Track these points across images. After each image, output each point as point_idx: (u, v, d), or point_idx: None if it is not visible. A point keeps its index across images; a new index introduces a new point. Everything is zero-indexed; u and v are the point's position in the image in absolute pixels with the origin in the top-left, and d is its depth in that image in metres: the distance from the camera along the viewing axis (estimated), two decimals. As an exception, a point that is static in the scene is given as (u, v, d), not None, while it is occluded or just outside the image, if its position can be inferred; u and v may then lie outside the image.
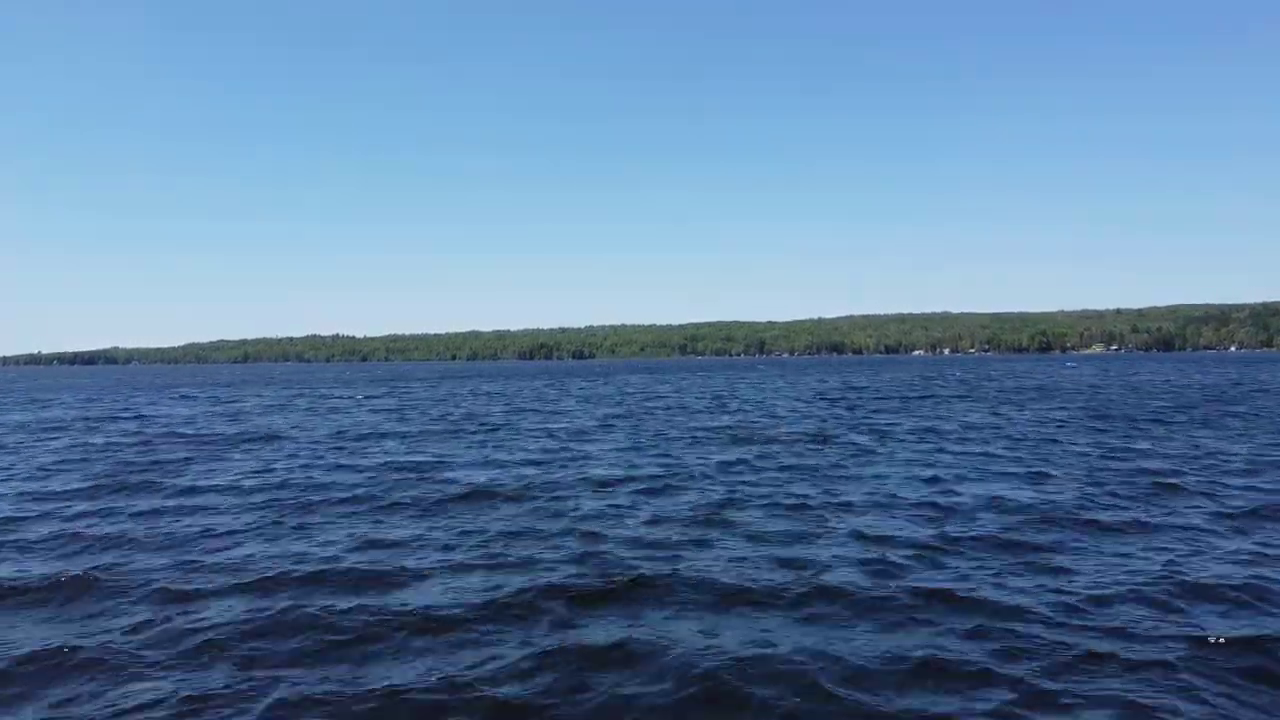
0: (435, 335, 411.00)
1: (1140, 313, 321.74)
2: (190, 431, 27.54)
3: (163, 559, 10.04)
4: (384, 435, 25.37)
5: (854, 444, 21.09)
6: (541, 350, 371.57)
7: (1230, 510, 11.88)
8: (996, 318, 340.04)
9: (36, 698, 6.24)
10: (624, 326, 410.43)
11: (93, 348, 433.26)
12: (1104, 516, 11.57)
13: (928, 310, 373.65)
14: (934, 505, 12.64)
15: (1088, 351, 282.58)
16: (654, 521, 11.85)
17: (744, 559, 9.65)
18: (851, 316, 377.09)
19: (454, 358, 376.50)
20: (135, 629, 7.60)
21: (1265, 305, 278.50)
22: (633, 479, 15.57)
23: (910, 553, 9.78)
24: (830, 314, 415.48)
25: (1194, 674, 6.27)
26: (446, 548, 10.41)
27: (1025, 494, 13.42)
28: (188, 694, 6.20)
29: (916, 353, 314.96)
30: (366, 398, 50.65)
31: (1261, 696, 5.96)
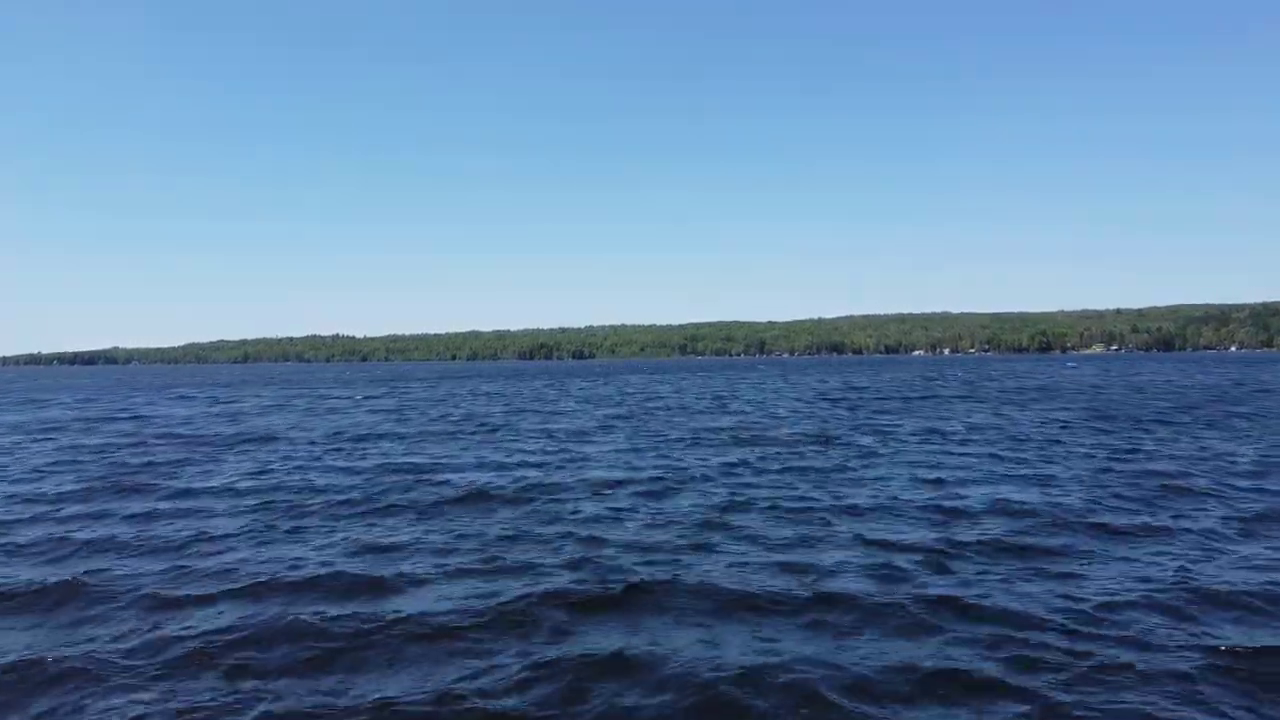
0: (435, 335, 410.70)
1: (1140, 313, 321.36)
2: (187, 432, 27.35)
3: (153, 564, 9.84)
4: (382, 436, 25.18)
5: (857, 445, 20.89)
6: (541, 350, 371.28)
7: (1241, 514, 11.67)
8: (996, 318, 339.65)
9: (16, 709, 6.05)
10: (624, 326, 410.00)
11: (93, 348, 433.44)
12: (1112, 520, 11.37)
13: (928, 310, 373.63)
14: (939, 508, 12.44)
15: (1088, 351, 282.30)
16: (654, 525, 11.65)
17: (746, 564, 9.45)
18: (851, 316, 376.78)
19: (454, 358, 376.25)
20: (121, 637, 7.40)
21: (1265, 305, 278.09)
22: (633, 481, 15.37)
23: (916, 557, 9.58)
24: (830, 314, 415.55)
25: (1212, 685, 6.07)
26: (443, 552, 10.21)
27: (1032, 496, 13.21)
28: (173, 706, 6.01)
29: (916, 353, 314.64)
30: (365, 398, 50.46)
31: (1283, 709, 5.76)
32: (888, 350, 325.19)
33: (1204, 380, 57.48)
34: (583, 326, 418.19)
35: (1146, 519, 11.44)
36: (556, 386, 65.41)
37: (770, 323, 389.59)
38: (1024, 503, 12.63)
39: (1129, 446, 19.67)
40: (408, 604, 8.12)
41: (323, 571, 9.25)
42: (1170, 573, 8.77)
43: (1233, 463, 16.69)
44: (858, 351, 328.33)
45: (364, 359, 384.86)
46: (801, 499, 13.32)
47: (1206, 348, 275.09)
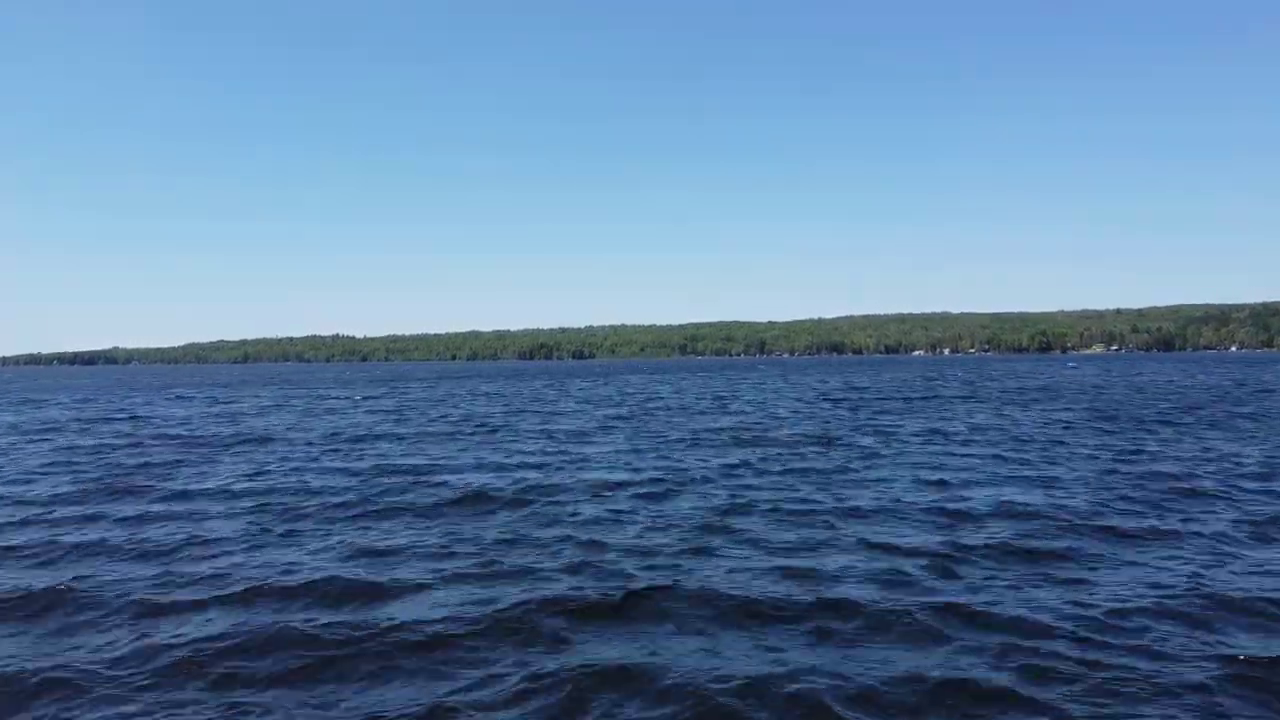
0: (435, 335, 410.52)
1: (1140, 313, 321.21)
2: (184, 433, 27.16)
3: (143, 569, 9.65)
4: (380, 437, 25.00)
5: (859, 446, 20.71)
6: (541, 350, 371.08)
7: (1252, 517, 11.48)
8: (996, 318, 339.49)
9: (-3, 722, 5.86)
10: (624, 327, 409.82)
11: (93, 348, 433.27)
12: (1120, 523, 11.18)
13: (928, 310, 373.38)
14: (943, 510, 12.25)
15: (1088, 351, 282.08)
16: (655, 528, 11.46)
17: (748, 569, 9.25)
18: (851, 316, 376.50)
19: (454, 358, 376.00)
20: (108, 645, 7.21)
21: (1265, 305, 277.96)
22: (633, 483, 15.19)
23: (922, 562, 9.38)
24: (830, 314, 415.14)
25: (1231, 697, 5.88)
26: (439, 556, 10.02)
27: (1037, 498, 13.03)
28: (159, 718, 5.83)
29: (916, 353, 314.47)
30: (364, 398, 50.27)
31: (1304, 722, 5.58)
32: (888, 350, 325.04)
33: (1205, 380, 57.30)
34: (583, 327, 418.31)
35: (1155, 522, 11.25)
36: (556, 387, 65.22)
37: (770, 323, 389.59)
38: (1029, 505, 12.44)
39: (1133, 447, 19.49)
40: (402, 611, 7.93)
41: (316, 576, 9.06)
42: (1182, 578, 8.57)
43: (1239, 464, 16.50)
44: (858, 351, 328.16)
45: (364, 359, 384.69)
46: (803, 501, 13.14)
47: (1207, 348, 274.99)
